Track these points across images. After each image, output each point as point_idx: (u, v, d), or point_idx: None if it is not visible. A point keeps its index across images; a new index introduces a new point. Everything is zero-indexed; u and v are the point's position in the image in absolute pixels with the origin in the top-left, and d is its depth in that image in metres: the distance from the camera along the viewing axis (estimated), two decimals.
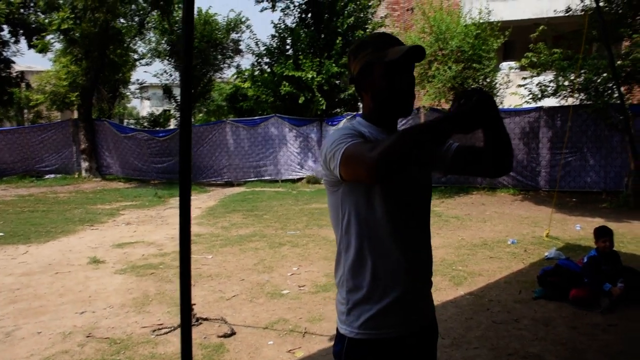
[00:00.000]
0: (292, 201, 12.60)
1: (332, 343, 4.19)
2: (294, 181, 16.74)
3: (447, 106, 13.16)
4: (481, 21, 13.07)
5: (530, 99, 11.55)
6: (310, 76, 15.54)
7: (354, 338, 1.68)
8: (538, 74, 11.18)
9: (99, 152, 18.35)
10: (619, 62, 10.34)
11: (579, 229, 8.58)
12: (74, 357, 3.86)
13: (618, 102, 10.75)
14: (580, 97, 11.32)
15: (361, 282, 1.68)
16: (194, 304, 4.64)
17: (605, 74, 10.25)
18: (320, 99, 15.76)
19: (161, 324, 4.51)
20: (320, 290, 5.55)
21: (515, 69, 13.93)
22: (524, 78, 11.31)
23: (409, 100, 1.72)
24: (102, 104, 21.43)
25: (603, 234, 5.15)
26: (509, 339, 4.17)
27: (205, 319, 4.58)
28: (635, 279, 5.06)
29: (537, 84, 11.35)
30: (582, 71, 10.48)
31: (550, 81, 11.08)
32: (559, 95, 11.26)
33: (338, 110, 17.10)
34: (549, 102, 12.05)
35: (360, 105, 17.71)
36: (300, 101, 15.92)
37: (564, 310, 4.82)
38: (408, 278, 1.69)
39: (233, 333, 4.31)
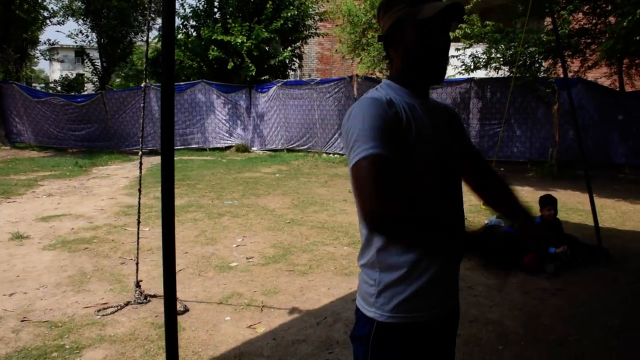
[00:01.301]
0: (223, 170, 12.23)
1: (292, 317, 4.10)
2: (222, 149, 16.30)
3: (381, 75, 13.16)
4: None
5: (463, 70, 11.75)
6: (239, 41, 15.00)
7: (385, 322, 1.52)
8: (470, 46, 11.36)
9: (7, 118, 16.88)
10: (544, 38, 10.69)
11: None
12: (10, 344, 3.46)
13: (545, 75, 11.23)
14: (509, 69, 11.65)
15: (399, 261, 1.51)
16: (141, 280, 4.33)
17: (534, 48, 10.58)
18: (250, 64, 15.28)
19: (105, 303, 4.16)
20: (270, 262, 5.38)
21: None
22: (457, 49, 11.46)
23: (443, 64, 1.56)
24: (8, 66, 19.71)
25: (548, 203, 5.32)
26: (466, 306, 4.20)
27: (154, 296, 4.28)
28: (576, 245, 5.29)
29: (469, 56, 11.55)
30: (512, 44, 10.76)
31: (483, 53, 11.31)
32: (491, 68, 11.55)
33: (267, 77, 16.69)
34: (480, 73, 12.34)
35: (292, 72, 17.36)
36: (228, 67, 15.38)
37: (514, 276, 4.94)
38: (447, 254, 1.56)
39: (186, 310, 4.06)
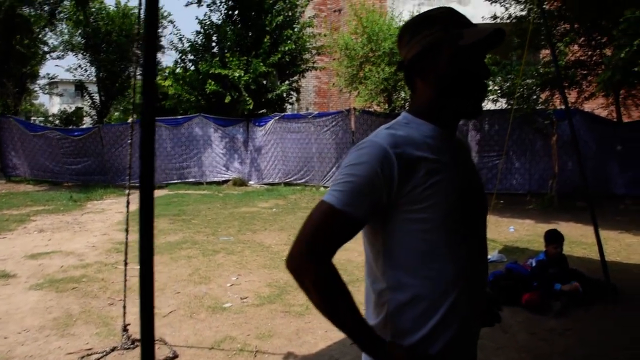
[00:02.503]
0: (220, 204, 12.06)
1: None
2: (219, 183, 16.14)
3: (378, 109, 13.16)
4: None
5: None
6: (237, 75, 15.02)
7: None
8: None
9: (4, 152, 16.76)
10: (541, 70, 10.72)
11: (513, 230, 8.74)
12: None
13: (542, 107, 11.20)
14: (507, 101, 11.64)
15: (415, 324, 1.34)
16: (128, 324, 4.13)
17: (531, 80, 10.58)
18: (247, 98, 15.28)
19: (90, 349, 3.95)
20: (265, 302, 5.17)
21: None
22: None
23: (482, 95, 1.40)
24: (6, 99, 19.72)
25: (554, 239, 5.14)
26: None
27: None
28: (582, 281, 5.10)
29: None
30: (509, 76, 10.77)
31: None
32: (489, 100, 11.53)
33: (265, 110, 16.67)
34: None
35: (289, 106, 17.35)
36: (226, 100, 15.35)
37: (518, 315, 4.74)
38: (468, 311, 1.37)
39: (175, 356, 3.85)
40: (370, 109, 13.50)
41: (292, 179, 15.58)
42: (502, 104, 11.89)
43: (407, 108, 1.47)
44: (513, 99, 9.66)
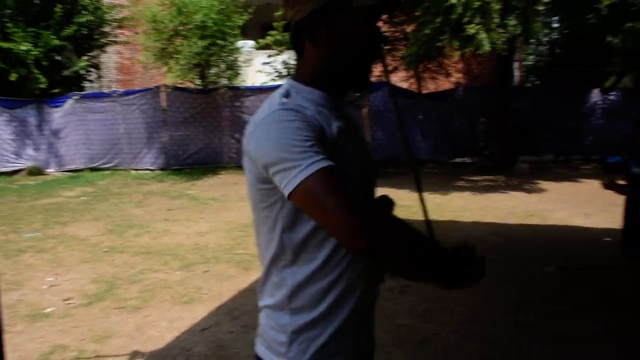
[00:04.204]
0: (16, 197, 10.55)
1: None
2: (9, 174, 14.10)
3: (191, 85, 12.64)
4: None
5: (277, 76, 11.82)
6: (24, 49, 13.14)
7: None
8: (281, 52, 11.48)
9: None
10: None
11: None
12: None
13: None
14: None
15: (317, 300, 1.24)
16: None
17: None
18: (39, 76, 13.49)
19: None
20: (94, 301, 4.64)
21: (251, 48, 14.10)
22: (270, 56, 11.48)
23: (375, 60, 1.32)
24: None
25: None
26: None
27: None
28: None
29: (282, 62, 11.65)
30: None
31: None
32: None
33: (61, 89, 14.92)
34: None
35: (89, 84, 15.81)
36: (12, 78, 13.37)
37: None
38: (365, 285, 1.31)
39: None
40: (183, 86, 12.89)
41: (98, 163, 14.23)
42: None
43: (292, 75, 1.34)
44: None
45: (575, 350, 3.61)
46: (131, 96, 13.75)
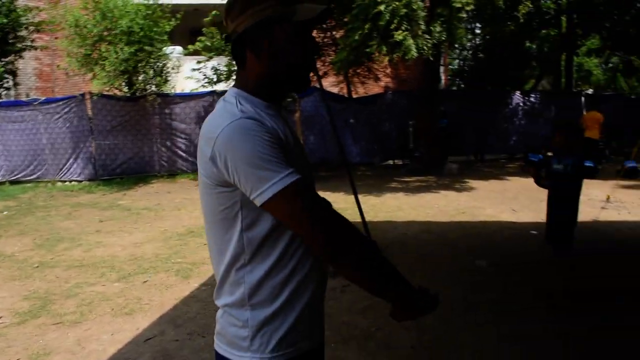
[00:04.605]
0: None
1: None
2: None
3: (118, 92, 12.24)
4: (151, 2, 12.38)
5: (207, 83, 11.68)
6: None
7: None
8: (211, 59, 11.37)
9: None
10: None
11: None
12: None
13: None
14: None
15: (275, 294, 1.34)
16: None
17: None
18: None
19: None
20: (27, 318, 4.44)
21: (180, 54, 13.85)
22: (199, 62, 11.32)
23: (311, 69, 1.44)
24: None
25: None
26: None
27: None
28: None
29: (211, 69, 11.53)
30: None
31: (226, 65, 11.42)
32: (233, 80, 11.75)
33: None
34: (222, 86, 12.43)
35: (5, 92, 14.91)
36: None
37: None
38: (318, 277, 1.42)
39: None
40: (110, 93, 12.46)
41: (19, 176, 13.47)
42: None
43: (235, 84, 1.42)
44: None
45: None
46: (54, 104, 13.12)
